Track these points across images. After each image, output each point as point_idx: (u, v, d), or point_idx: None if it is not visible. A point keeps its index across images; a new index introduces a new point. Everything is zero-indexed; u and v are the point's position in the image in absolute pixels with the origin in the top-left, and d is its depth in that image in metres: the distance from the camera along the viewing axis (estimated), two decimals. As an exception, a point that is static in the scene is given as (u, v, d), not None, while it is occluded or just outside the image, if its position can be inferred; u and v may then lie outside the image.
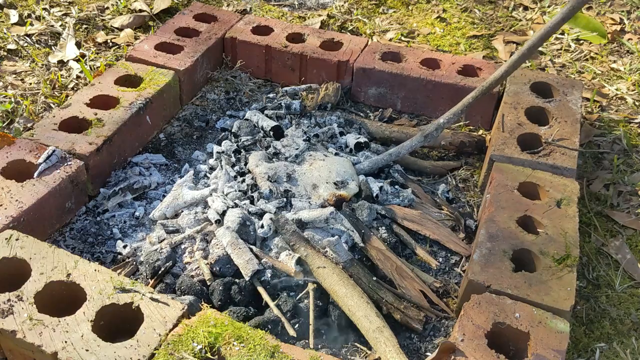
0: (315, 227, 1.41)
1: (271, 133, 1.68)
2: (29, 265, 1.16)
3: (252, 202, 1.47)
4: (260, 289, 1.27)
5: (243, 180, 1.52)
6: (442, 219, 1.50)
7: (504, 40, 2.22)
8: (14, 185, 1.35)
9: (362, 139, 1.67)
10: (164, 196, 1.52)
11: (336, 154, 1.63)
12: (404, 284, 1.32)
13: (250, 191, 1.49)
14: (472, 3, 2.45)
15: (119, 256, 1.38)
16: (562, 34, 2.27)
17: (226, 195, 1.48)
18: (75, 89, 1.93)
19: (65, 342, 1.03)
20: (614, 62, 2.12)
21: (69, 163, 1.43)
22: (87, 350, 1.02)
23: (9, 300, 1.09)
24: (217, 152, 1.63)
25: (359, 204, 1.46)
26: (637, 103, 1.92)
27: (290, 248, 1.35)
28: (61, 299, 1.13)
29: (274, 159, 1.58)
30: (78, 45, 2.12)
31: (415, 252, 1.43)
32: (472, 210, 1.54)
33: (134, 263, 1.36)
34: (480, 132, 1.79)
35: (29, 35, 2.15)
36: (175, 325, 1.07)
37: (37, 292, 1.11)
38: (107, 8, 2.36)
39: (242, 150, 1.63)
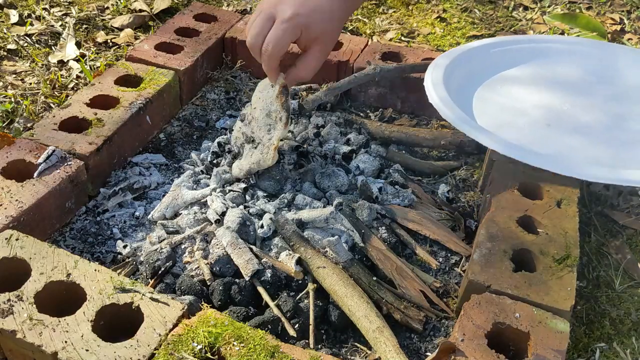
0: (315, 227, 1.41)
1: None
2: (29, 265, 1.16)
3: (244, 198, 1.48)
4: (260, 289, 1.27)
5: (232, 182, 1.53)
6: (442, 219, 1.50)
7: (504, 40, 2.22)
8: (14, 185, 1.35)
9: (348, 148, 1.63)
10: (164, 196, 1.52)
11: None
12: (404, 284, 1.32)
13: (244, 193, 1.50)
14: (472, 3, 2.45)
15: (119, 256, 1.38)
16: (562, 33, 2.27)
17: (225, 194, 1.48)
18: (75, 89, 1.93)
19: (65, 342, 1.03)
20: (614, 62, 2.12)
21: (69, 163, 1.43)
22: (87, 350, 1.02)
23: (9, 300, 1.09)
24: (197, 156, 1.65)
25: (359, 204, 1.46)
26: (637, 103, 1.92)
27: (290, 248, 1.35)
28: (61, 299, 1.13)
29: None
30: (78, 45, 2.12)
31: (415, 252, 1.42)
32: (472, 210, 1.54)
33: (134, 263, 1.36)
34: (480, 132, 1.79)
35: (29, 35, 2.16)
36: (175, 325, 1.07)
37: (37, 292, 1.11)
38: (107, 8, 2.36)
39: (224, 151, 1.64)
